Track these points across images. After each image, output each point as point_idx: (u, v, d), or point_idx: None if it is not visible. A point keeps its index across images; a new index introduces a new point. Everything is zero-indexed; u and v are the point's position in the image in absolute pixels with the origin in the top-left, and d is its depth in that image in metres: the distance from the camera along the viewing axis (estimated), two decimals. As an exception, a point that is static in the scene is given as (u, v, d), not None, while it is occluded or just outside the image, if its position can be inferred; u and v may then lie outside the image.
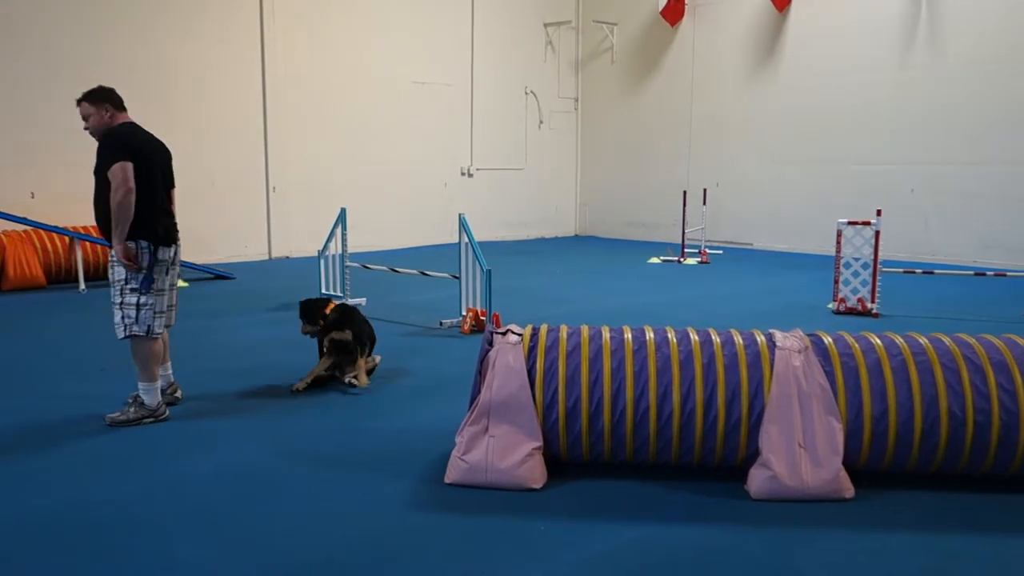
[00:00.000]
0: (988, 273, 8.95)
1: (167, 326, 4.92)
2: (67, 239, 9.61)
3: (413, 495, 3.75)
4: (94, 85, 4.85)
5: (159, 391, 4.81)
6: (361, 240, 11.78)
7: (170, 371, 5.12)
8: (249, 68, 12.06)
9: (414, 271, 8.50)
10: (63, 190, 10.18)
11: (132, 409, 4.73)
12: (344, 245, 8.48)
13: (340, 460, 4.20)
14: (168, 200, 4.84)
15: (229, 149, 11.90)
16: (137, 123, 4.80)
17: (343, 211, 8.55)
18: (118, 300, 4.64)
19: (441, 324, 7.47)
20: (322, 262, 8.72)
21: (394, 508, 3.62)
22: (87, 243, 9.60)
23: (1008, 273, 8.82)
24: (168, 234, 4.67)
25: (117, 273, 4.63)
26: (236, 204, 12.01)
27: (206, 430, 4.67)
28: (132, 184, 4.49)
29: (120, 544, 3.27)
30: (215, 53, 11.70)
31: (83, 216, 10.26)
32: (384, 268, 8.79)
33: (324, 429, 4.70)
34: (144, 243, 4.59)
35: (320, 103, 12.76)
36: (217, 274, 10.39)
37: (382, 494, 3.76)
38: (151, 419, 4.73)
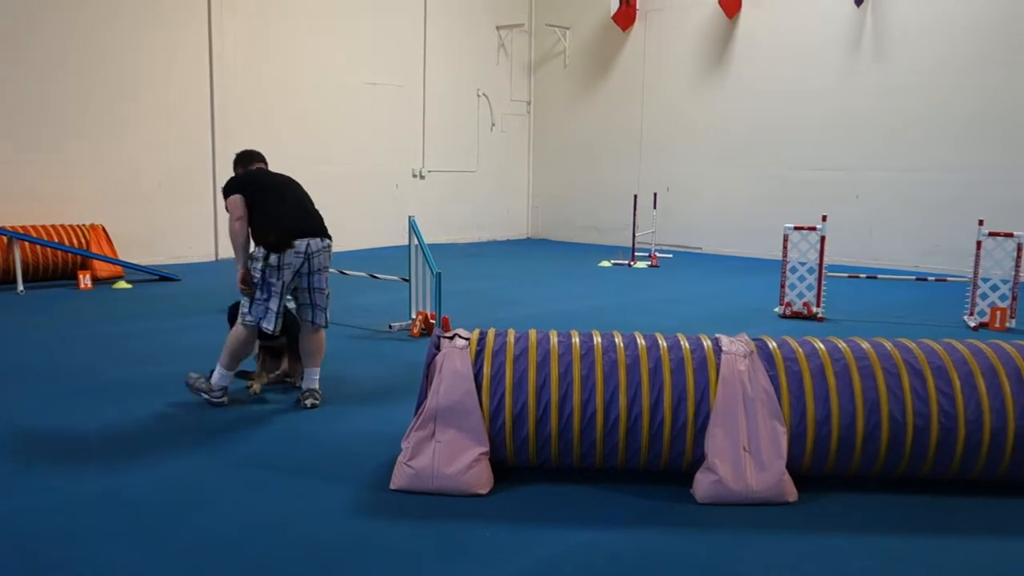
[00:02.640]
0: (929, 278, 9.16)
1: (317, 324, 5.22)
2: (4, 239, 9.32)
3: (358, 501, 3.70)
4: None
5: (230, 378, 5.05)
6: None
7: (315, 379, 5.20)
8: (197, 67, 11.83)
9: (363, 273, 8.42)
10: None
11: (203, 379, 5.07)
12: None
13: (283, 466, 4.13)
14: (288, 213, 5.15)
15: (175, 149, 11.67)
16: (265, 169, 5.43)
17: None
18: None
19: (391, 327, 7.41)
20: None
21: (338, 514, 3.56)
22: (26, 243, 9.34)
23: (948, 278, 9.02)
24: (279, 242, 5.03)
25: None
26: (182, 204, 11.78)
27: (146, 435, 4.56)
28: (240, 214, 5.08)
29: (52, 554, 3.17)
30: (161, 52, 11.46)
31: (22, 215, 10.02)
32: (333, 270, 8.67)
33: (268, 434, 4.62)
34: (260, 250, 5.05)
35: (270, 103, 12.59)
36: (162, 275, 10.19)
37: (326, 500, 3.70)
38: (207, 397, 5.04)
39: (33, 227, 9.74)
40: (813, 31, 12.89)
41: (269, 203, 5.12)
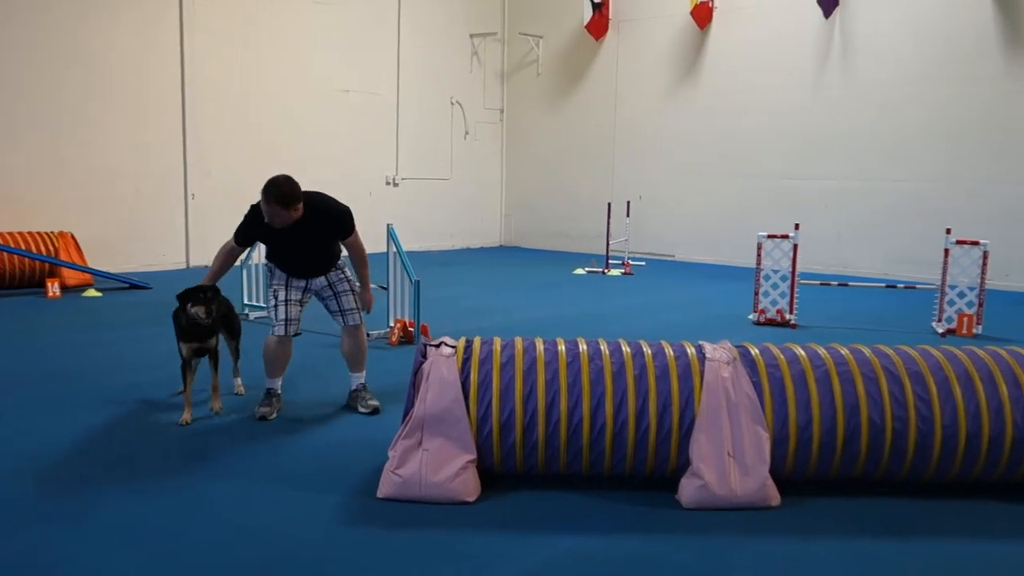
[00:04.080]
0: (899, 286, 9.31)
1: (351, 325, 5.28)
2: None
3: (345, 510, 3.70)
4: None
5: (271, 388, 5.15)
6: (284, 249, 11.56)
7: (354, 378, 5.33)
8: (168, 74, 11.75)
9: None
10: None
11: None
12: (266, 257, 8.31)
13: (267, 475, 4.11)
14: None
15: (146, 156, 11.57)
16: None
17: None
18: None
19: (369, 335, 7.37)
20: (244, 272, 8.53)
21: (325, 523, 3.56)
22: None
23: (917, 286, 9.18)
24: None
25: None
26: (153, 212, 11.68)
27: (124, 445, 4.52)
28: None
29: (30, 560, 3.13)
30: (133, 57, 11.37)
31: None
32: (309, 278, 8.66)
33: (249, 443, 4.59)
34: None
35: (243, 110, 12.52)
36: (132, 283, 10.08)
37: (312, 509, 3.69)
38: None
39: (0, 234, 9.60)
40: (783, 42, 13.07)
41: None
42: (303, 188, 4.79)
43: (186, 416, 4.89)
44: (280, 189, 4.71)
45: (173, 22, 11.72)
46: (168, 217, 11.87)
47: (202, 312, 4.86)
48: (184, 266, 11.97)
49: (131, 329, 7.65)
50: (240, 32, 12.44)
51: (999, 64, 11.29)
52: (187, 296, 4.92)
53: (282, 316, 5.11)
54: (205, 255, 11.98)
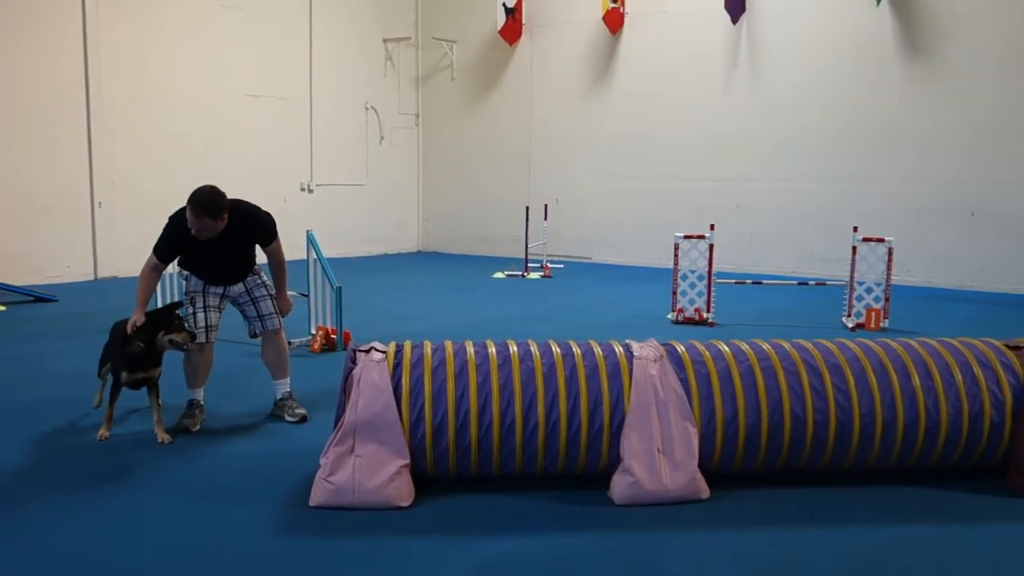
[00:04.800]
0: (810, 283, 9.63)
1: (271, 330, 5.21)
2: None
3: (277, 520, 3.63)
4: None
5: (192, 399, 5.05)
6: (197, 258, 11.27)
7: (279, 386, 5.28)
8: (71, 80, 11.30)
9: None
10: None
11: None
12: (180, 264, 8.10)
13: (193, 488, 4.00)
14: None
15: (48, 163, 11.11)
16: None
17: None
18: None
19: (290, 343, 7.24)
20: (160, 284, 8.28)
21: (257, 535, 3.48)
22: None
23: (827, 282, 9.51)
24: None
25: None
26: (57, 221, 11.22)
27: (40, 466, 4.34)
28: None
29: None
30: (35, 63, 10.91)
31: None
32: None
33: (172, 456, 4.46)
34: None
35: (150, 116, 12.14)
36: (38, 296, 9.68)
37: (243, 521, 3.61)
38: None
39: None
40: (693, 47, 13.38)
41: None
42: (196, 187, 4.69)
43: (104, 432, 4.71)
44: (208, 201, 4.61)
45: (76, 27, 11.29)
46: (73, 227, 11.43)
47: (184, 339, 4.69)
48: (92, 277, 11.54)
49: (38, 343, 7.34)
50: (146, 37, 12.07)
51: (898, 70, 11.79)
52: (160, 323, 4.68)
53: (202, 323, 4.98)
54: (115, 265, 11.60)
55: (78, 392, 5.53)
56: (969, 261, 11.47)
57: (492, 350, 4.05)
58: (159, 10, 12.24)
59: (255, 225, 4.95)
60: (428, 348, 4.04)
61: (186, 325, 4.77)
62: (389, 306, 9.66)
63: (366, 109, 15.57)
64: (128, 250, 11.46)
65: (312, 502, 3.74)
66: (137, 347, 4.61)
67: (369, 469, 3.73)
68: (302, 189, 14.49)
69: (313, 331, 7.25)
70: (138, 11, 11.97)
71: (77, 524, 3.58)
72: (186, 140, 12.56)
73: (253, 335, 5.24)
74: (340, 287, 7.03)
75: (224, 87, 13.13)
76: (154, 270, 4.91)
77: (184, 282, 5.13)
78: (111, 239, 11.65)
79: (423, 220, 16.96)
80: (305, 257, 7.44)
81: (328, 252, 13.81)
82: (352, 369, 3.88)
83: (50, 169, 11.13)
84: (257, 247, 5.10)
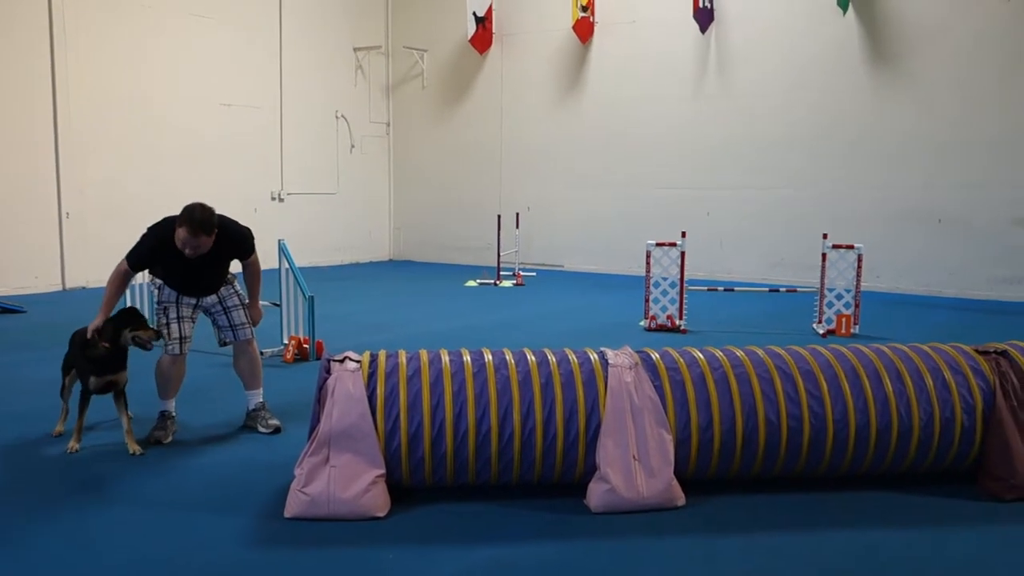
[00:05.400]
0: (781, 289, 9.71)
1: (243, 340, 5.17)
2: None
3: (252, 532, 3.58)
4: None
5: (164, 410, 5.01)
6: (166, 268, 11.16)
7: (252, 396, 5.22)
8: (39, 87, 11.13)
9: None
10: None
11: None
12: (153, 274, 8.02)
13: (166, 501, 3.94)
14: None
15: (15, 173, 10.95)
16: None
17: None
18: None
19: (262, 353, 7.17)
20: (127, 292, 8.18)
21: (232, 546, 3.44)
22: None
23: (798, 289, 9.59)
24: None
25: None
26: (25, 232, 11.05)
27: (7, 475, 4.25)
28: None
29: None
30: (1, 69, 10.77)
31: None
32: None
33: (145, 469, 4.39)
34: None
35: (120, 125, 12.00)
36: (4, 307, 9.51)
37: (218, 532, 3.56)
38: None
39: None
40: (663, 56, 13.47)
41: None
42: (186, 205, 4.63)
43: (73, 444, 4.63)
44: (204, 220, 4.59)
45: (43, 36, 11.14)
46: (41, 238, 11.26)
47: (150, 336, 4.66)
48: (60, 288, 11.37)
49: (6, 355, 7.21)
50: (116, 45, 11.94)
51: (866, 78, 11.94)
52: (123, 321, 4.64)
53: (176, 334, 4.93)
54: (83, 276, 11.43)
55: (46, 404, 5.43)
56: (937, 267, 11.63)
57: (467, 359, 4.04)
58: (128, 18, 12.13)
59: (234, 241, 4.93)
60: (403, 357, 4.02)
61: (153, 327, 4.73)
62: (362, 315, 9.61)
63: (337, 117, 15.52)
64: (98, 260, 11.28)
65: (287, 513, 3.70)
66: (102, 348, 4.55)
67: (344, 479, 3.70)
68: (273, 198, 14.39)
69: (285, 341, 7.19)
70: (106, 19, 11.85)
71: (48, 538, 3.51)
72: (157, 149, 12.44)
73: (223, 344, 5.19)
74: (312, 296, 6.98)
75: (195, 96, 13.02)
76: (124, 277, 4.85)
77: (156, 291, 5.07)
78: (80, 250, 11.48)
79: (395, 228, 16.91)
80: (277, 266, 7.38)
81: (300, 261, 13.75)
82: (326, 379, 3.85)
83: (17, 179, 10.96)
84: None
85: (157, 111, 12.49)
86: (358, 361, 3.93)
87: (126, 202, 11.62)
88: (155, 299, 5.12)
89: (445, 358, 4.03)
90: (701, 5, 12.69)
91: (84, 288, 11.36)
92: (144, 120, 12.32)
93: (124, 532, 3.58)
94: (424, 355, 4.05)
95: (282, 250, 7.20)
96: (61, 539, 3.51)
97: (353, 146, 15.88)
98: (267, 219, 13.90)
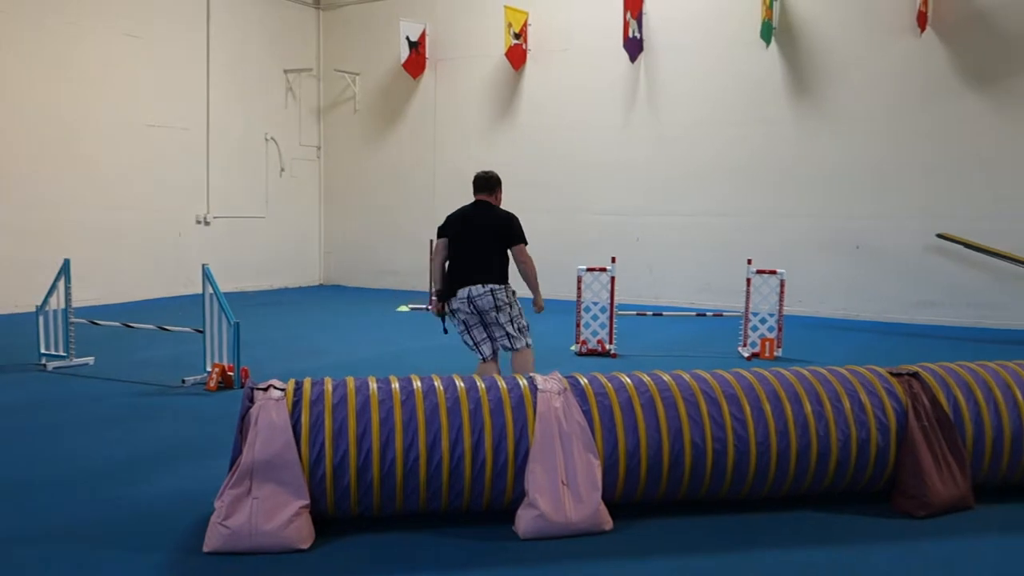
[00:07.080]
0: (708, 313, 9.88)
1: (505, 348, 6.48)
2: None
3: (169, 568, 3.47)
4: None
5: None
6: (87, 294, 10.81)
7: None
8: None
9: (151, 326, 7.94)
10: None
11: None
12: (68, 299, 7.78)
13: (80, 535, 3.80)
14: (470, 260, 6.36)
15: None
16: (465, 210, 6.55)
17: (67, 262, 7.85)
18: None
19: (184, 382, 7.02)
20: (41, 319, 7.90)
21: (148, 584, 3.33)
22: None
23: (724, 313, 9.77)
24: (444, 292, 6.29)
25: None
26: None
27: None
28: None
29: None
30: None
31: None
32: (116, 323, 8.17)
33: (56, 501, 4.23)
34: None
35: (45, 143, 11.66)
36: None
37: (133, 569, 3.44)
38: None
39: None
40: (593, 84, 13.67)
41: (453, 250, 6.33)
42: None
43: None
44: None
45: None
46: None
47: None
48: None
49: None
50: (39, 62, 11.62)
51: (788, 109, 12.29)
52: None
53: (469, 341, 6.47)
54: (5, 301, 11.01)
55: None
56: (856, 292, 11.98)
57: (395, 385, 4.00)
58: (59, 35, 11.85)
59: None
60: (329, 385, 3.96)
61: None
62: (290, 341, 9.46)
63: (266, 140, 15.33)
64: (11, 286, 10.90)
65: (206, 548, 3.60)
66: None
67: (267, 511, 3.62)
68: (198, 221, 14.09)
69: (208, 369, 7.03)
70: (31, 37, 11.53)
71: (-52, 579, 3.35)
72: (79, 171, 12.10)
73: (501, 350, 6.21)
74: (238, 323, 6.85)
75: (120, 116, 12.74)
76: (433, 258, 6.35)
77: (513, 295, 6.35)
78: (2, 269, 11.06)
79: (325, 253, 16.73)
80: (200, 292, 7.22)
81: (225, 286, 13.47)
82: (249, 408, 3.77)
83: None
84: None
85: (79, 130, 12.17)
86: (282, 389, 3.86)
87: (45, 226, 11.25)
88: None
89: (373, 385, 3.99)
90: (631, 35, 12.93)
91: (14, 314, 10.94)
92: (66, 139, 11.98)
93: (34, 570, 3.43)
94: (351, 382, 4.00)
95: (206, 275, 7.04)
96: (-34, 579, 3.36)
97: (283, 169, 15.70)
98: (192, 243, 13.64)
